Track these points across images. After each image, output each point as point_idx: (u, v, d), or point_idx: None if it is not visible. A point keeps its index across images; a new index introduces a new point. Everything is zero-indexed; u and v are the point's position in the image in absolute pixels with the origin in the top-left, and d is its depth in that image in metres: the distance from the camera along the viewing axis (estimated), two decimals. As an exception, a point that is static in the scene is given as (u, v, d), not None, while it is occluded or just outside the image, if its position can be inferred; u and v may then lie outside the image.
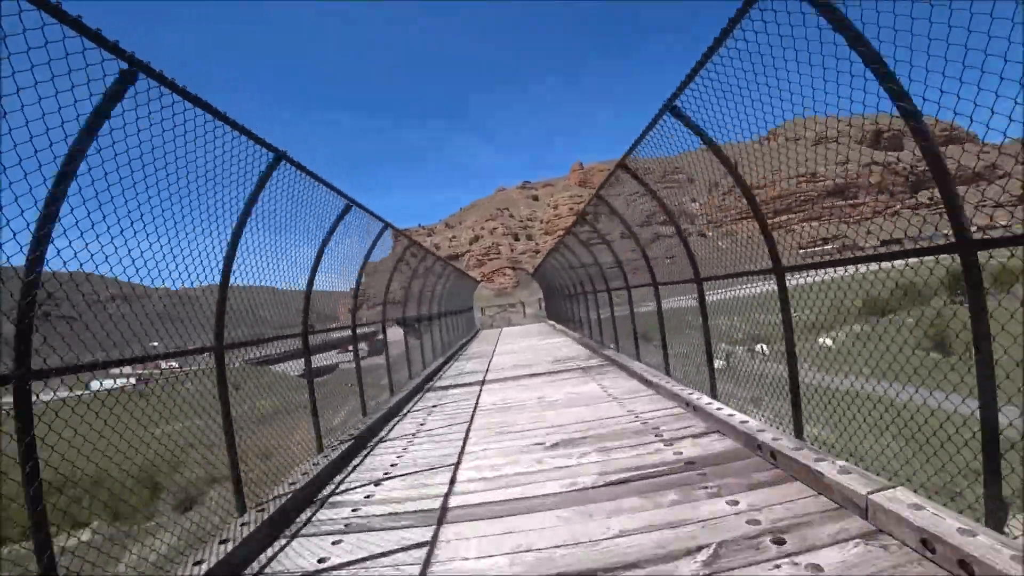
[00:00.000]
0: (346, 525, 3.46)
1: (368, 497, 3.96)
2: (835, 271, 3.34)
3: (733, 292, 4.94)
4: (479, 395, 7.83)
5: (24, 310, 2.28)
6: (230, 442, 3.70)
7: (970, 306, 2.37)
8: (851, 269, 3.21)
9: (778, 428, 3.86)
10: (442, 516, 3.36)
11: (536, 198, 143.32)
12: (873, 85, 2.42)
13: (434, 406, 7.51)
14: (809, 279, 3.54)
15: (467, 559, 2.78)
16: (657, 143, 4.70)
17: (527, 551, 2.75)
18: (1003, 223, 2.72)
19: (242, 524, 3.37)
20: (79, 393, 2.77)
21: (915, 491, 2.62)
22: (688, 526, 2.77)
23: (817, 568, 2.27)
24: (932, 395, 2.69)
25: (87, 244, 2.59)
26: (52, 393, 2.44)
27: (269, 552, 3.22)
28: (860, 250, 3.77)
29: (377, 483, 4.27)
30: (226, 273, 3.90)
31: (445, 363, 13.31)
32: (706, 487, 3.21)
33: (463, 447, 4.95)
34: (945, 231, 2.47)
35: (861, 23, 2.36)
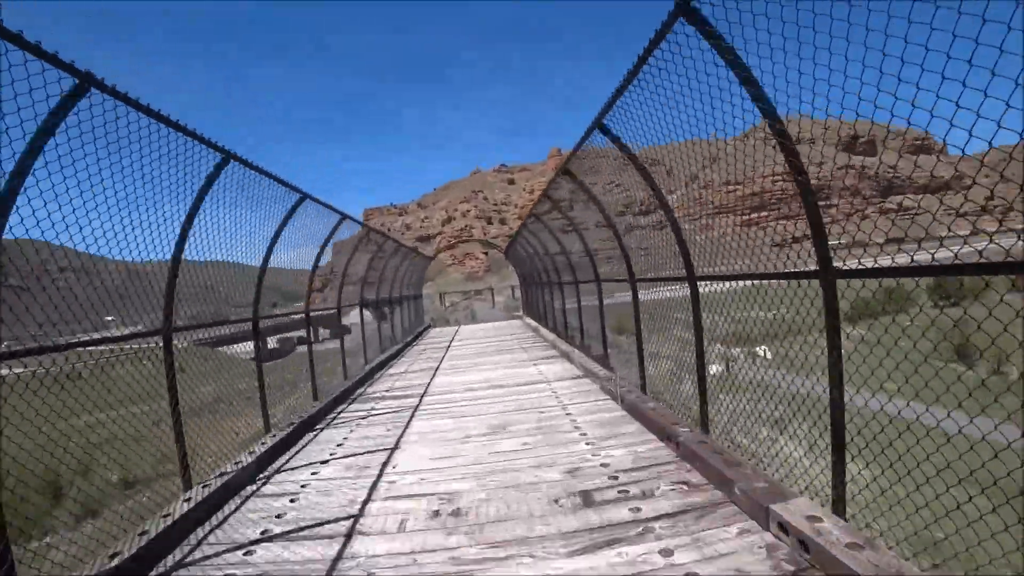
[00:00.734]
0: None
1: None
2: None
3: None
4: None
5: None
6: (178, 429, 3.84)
7: (827, 327, 2.66)
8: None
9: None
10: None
11: (512, 182, 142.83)
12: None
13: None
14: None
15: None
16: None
17: None
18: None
19: (185, 500, 3.56)
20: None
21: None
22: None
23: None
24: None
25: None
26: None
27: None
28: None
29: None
30: (176, 257, 3.94)
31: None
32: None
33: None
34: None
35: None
